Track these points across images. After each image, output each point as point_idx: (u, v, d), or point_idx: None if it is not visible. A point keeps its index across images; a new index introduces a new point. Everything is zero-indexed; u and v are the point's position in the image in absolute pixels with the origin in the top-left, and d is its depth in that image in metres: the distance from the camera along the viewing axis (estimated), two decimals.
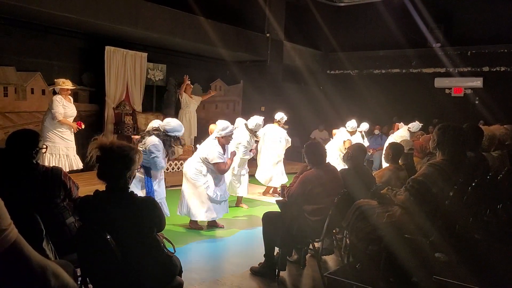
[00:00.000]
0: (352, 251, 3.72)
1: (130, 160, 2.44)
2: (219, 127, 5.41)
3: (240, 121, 7.06)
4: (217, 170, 5.33)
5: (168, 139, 4.67)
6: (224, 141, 5.41)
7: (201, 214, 5.36)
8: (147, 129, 4.87)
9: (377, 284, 3.01)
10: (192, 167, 5.40)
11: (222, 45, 9.72)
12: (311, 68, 13.41)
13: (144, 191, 4.55)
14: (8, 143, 2.95)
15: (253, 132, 6.78)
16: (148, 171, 4.59)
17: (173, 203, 5.45)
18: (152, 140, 4.59)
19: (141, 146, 4.56)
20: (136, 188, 4.45)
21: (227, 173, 5.82)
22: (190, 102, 9.58)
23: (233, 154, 5.60)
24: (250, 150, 6.70)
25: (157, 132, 4.67)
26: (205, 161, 5.33)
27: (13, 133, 2.99)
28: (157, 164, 4.55)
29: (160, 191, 4.74)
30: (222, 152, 5.35)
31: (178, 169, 8.49)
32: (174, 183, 7.38)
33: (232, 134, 5.52)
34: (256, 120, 6.78)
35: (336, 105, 12.40)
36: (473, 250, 3.14)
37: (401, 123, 9.17)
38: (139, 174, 4.43)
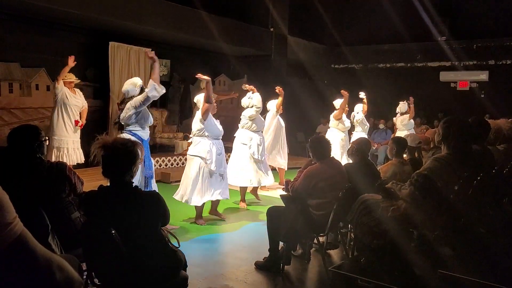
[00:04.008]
0: (357, 245, 3.73)
1: (134, 155, 2.46)
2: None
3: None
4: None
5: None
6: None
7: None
8: None
9: (382, 278, 3.01)
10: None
11: (226, 40, 9.71)
12: (316, 62, 13.37)
13: None
14: (9, 140, 2.95)
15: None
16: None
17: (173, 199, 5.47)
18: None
19: None
20: None
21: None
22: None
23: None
24: None
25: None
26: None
27: (13, 130, 2.99)
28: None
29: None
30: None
31: (183, 164, 8.48)
32: (178, 178, 7.35)
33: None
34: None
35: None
36: (478, 244, 3.12)
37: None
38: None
